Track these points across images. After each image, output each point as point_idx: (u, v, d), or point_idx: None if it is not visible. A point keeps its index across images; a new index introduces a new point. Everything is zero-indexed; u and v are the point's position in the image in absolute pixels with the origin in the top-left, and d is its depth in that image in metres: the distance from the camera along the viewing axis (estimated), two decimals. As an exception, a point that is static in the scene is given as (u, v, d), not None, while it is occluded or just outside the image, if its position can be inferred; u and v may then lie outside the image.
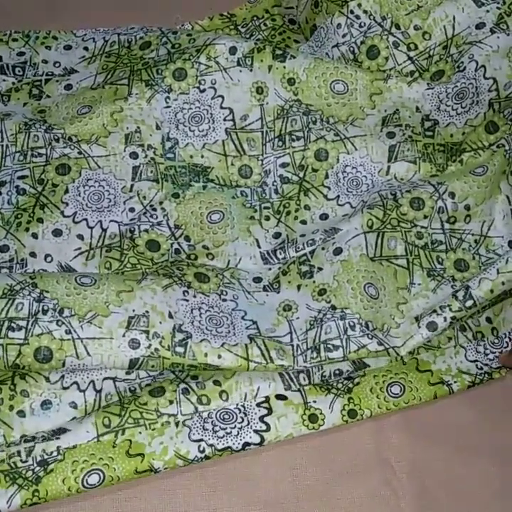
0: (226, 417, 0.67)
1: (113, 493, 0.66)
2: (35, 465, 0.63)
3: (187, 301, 0.68)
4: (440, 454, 0.70)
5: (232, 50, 0.79)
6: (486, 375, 0.71)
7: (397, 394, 0.69)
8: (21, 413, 0.66)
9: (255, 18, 0.91)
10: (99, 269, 0.74)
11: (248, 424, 0.67)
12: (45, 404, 0.66)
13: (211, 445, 0.65)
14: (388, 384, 0.69)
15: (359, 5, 0.78)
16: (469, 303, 0.67)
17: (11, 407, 0.66)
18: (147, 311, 0.66)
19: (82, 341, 0.63)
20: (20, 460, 0.63)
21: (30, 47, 0.87)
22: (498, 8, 0.75)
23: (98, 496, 0.65)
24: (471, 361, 0.71)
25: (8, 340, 0.62)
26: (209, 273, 0.72)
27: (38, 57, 0.86)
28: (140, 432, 0.65)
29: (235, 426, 0.66)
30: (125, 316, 0.65)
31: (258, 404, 0.68)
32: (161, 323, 0.65)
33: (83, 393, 0.67)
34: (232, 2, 0.92)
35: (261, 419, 0.67)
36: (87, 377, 0.67)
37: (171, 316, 0.66)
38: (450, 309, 0.68)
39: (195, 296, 0.69)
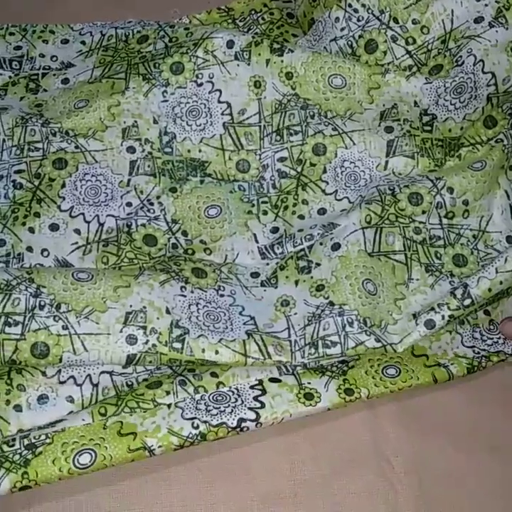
0: (219, 398, 0.66)
1: (109, 486, 0.66)
2: (23, 449, 0.63)
3: (184, 296, 0.68)
4: (438, 448, 0.70)
5: (230, 44, 0.78)
6: (484, 359, 0.70)
7: (393, 374, 0.68)
8: (18, 407, 0.65)
9: (253, 12, 0.90)
10: (96, 264, 0.74)
11: (242, 403, 0.66)
12: (42, 398, 0.66)
13: (205, 422, 0.64)
14: (383, 367, 0.69)
15: None
16: (467, 302, 0.67)
17: (8, 402, 0.65)
18: (144, 307, 0.65)
19: (79, 337, 0.63)
20: (7, 444, 0.63)
21: (27, 41, 0.86)
22: (496, 1, 0.74)
23: (94, 489, 0.65)
24: (468, 347, 0.71)
25: (4, 335, 0.62)
26: (206, 268, 0.72)
27: (34, 51, 0.86)
28: (131, 415, 0.65)
29: (229, 405, 0.66)
30: (122, 311, 0.65)
31: (251, 387, 0.67)
32: (158, 318, 0.65)
33: (80, 387, 0.67)
34: (229, -5, 0.92)
35: (255, 398, 0.66)
36: (84, 372, 0.67)
37: (168, 311, 0.66)
38: (448, 308, 0.68)
39: (192, 292, 0.69)
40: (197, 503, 0.66)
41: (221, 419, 0.64)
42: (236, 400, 0.66)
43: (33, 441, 0.63)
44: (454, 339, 0.71)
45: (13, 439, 0.63)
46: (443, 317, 0.67)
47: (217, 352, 0.65)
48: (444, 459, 0.69)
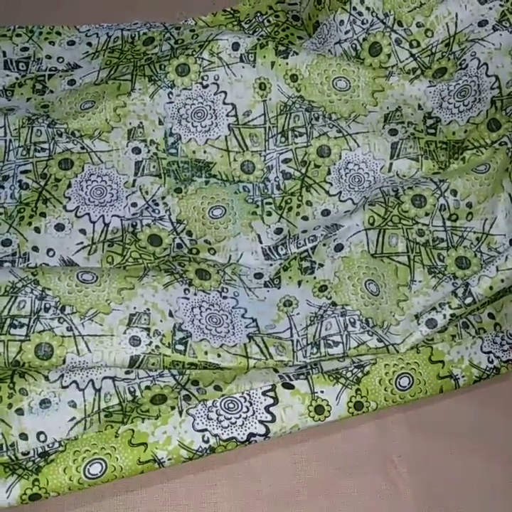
0: (231, 406, 0.67)
1: (115, 485, 0.66)
2: (36, 456, 0.64)
3: (187, 299, 0.68)
4: (442, 449, 0.70)
5: (235, 46, 0.79)
6: (494, 371, 0.70)
7: (405, 386, 0.69)
8: (20, 411, 0.65)
9: (259, 15, 0.91)
10: (101, 264, 0.74)
11: (253, 414, 0.66)
12: (44, 403, 0.66)
13: (216, 435, 0.65)
14: (398, 375, 0.69)
15: (362, 2, 0.78)
16: (469, 300, 0.68)
17: (10, 406, 0.65)
18: (148, 309, 0.66)
19: (83, 338, 0.63)
20: (22, 453, 0.63)
21: (34, 42, 0.87)
22: (500, 5, 0.74)
23: (100, 489, 0.66)
24: (485, 353, 0.71)
25: (9, 336, 0.62)
26: (210, 269, 0.72)
27: (41, 52, 0.86)
28: (143, 422, 0.65)
29: (240, 416, 0.66)
30: (126, 313, 0.65)
31: (264, 393, 0.67)
32: (161, 321, 0.66)
33: (82, 392, 0.67)
34: (235, -2, 0.93)
35: (267, 409, 0.67)
36: (87, 377, 0.67)
37: (171, 314, 0.66)
38: (450, 306, 0.68)
39: (195, 294, 0.69)
40: (201, 502, 0.67)
41: (231, 433, 0.65)
42: (247, 410, 0.67)
43: (47, 449, 0.64)
44: (474, 344, 0.72)
45: (28, 452, 0.64)
46: (444, 316, 0.68)
47: (219, 355, 0.65)
48: (448, 461, 0.70)
